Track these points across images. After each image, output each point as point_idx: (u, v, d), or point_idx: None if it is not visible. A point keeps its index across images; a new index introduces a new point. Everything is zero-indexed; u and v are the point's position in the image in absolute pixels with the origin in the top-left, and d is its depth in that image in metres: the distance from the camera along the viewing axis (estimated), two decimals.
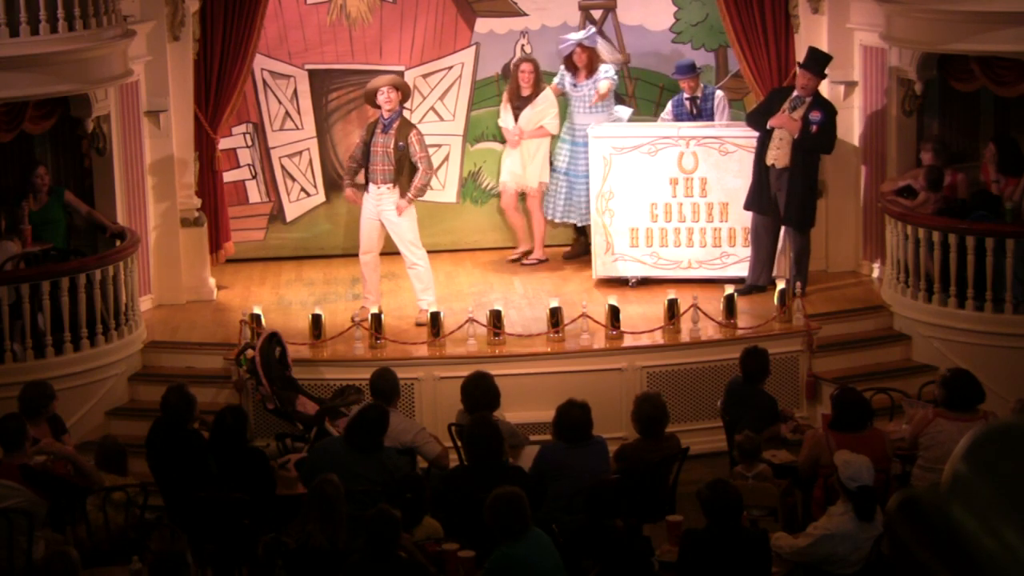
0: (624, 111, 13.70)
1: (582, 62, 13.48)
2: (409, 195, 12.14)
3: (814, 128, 12.30)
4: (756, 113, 12.73)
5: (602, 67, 13.53)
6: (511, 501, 7.58)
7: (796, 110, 12.39)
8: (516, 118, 13.59)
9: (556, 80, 13.70)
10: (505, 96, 13.75)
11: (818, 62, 12.46)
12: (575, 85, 13.55)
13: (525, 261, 13.90)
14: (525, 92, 13.54)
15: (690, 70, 13.31)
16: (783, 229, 12.67)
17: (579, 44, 13.48)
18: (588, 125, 13.37)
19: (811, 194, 12.62)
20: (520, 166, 13.69)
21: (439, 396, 11.38)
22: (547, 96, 13.57)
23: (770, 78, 13.14)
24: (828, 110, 12.44)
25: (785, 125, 12.37)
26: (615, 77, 13.62)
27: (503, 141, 14.00)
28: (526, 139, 13.60)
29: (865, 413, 9.25)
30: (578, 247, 13.93)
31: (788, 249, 12.70)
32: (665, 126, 13.27)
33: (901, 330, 12.30)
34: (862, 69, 13.20)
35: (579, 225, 13.81)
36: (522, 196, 13.93)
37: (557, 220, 13.84)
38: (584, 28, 13.79)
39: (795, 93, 12.45)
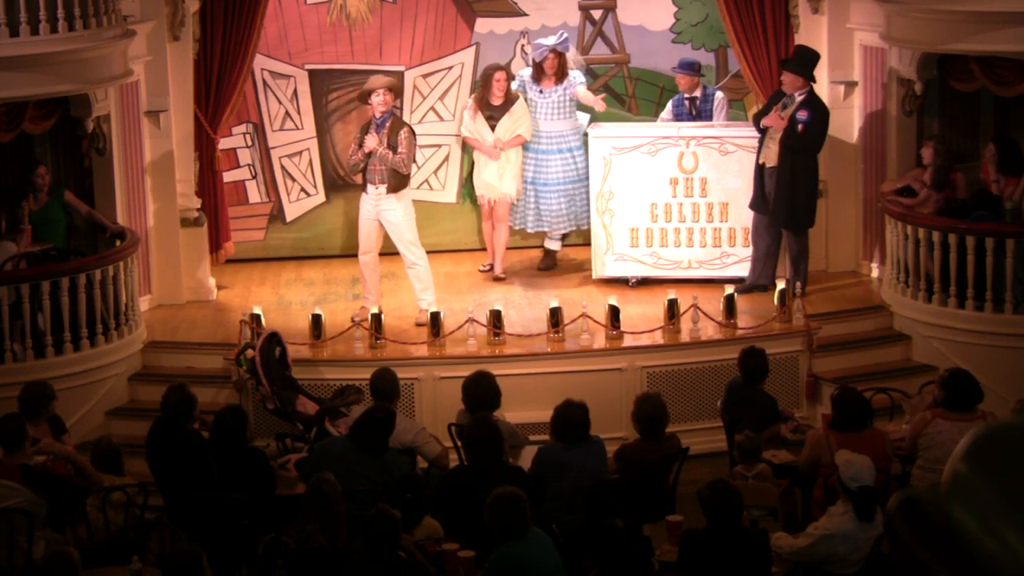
0: (584, 117, 13.50)
1: (553, 68, 13.24)
2: (383, 149, 11.99)
3: (800, 127, 12.27)
4: (757, 115, 12.73)
5: (572, 73, 13.37)
6: (511, 501, 7.57)
7: (787, 109, 12.38)
8: (492, 128, 13.25)
9: (516, 86, 13.46)
10: (473, 104, 13.40)
11: (802, 62, 12.40)
12: (542, 92, 13.31)
13: (484, 270, 13.66)
14: (497, 100, 13.24)
15: (691, 68, 13.27)
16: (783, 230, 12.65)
17: (552, 50, 13.24)
18: (556, 132, 13.27)
19: (805, 194, 12.46)
20: (497, 177, 13.41)
21: (439, 396, 11.38)
22: (522, 103, 13.29)
23: (770, 78, 13.12)
24: (818, 110, 12.38)
25: (772, 123, 12.36)
26: (584, 81, 13.53)
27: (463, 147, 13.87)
28: (506, 149, 13.30)
29: (865, 413, 9.24)
30: (549, 260, 13.69)
31: (787, 250, 12.68)
32: (665, 126, 13.25)
33: (901, 330, 12.30)
34: (862, 69, 13.20)
35: (554, 234, 13.56)
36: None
37: (530, 230, 13.65)
38: (556, 35, 13.45)
39: (786, 92, 12.45)
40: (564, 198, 13.36)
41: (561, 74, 13.30)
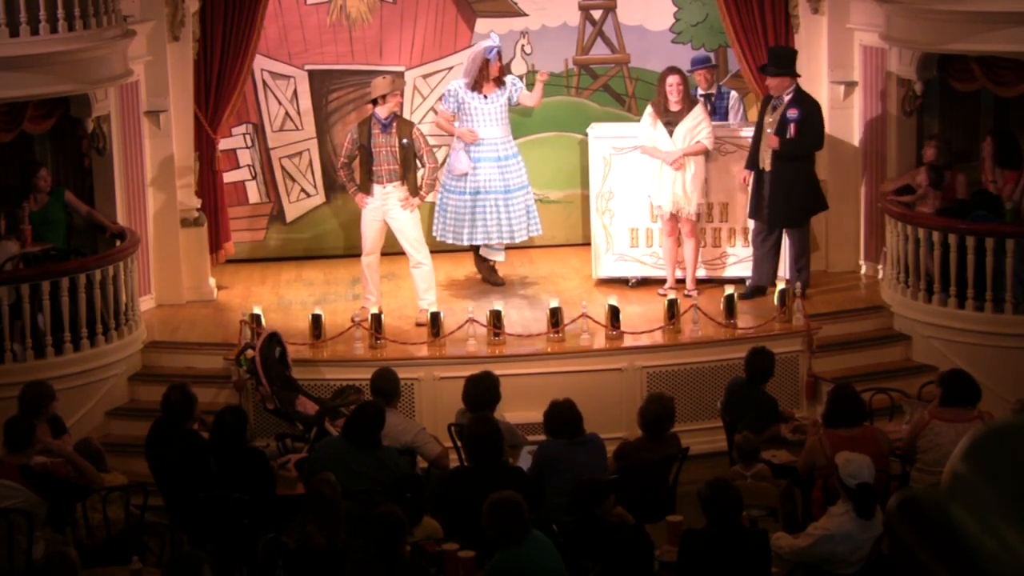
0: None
1: (496, 71, 12.83)
2: (422, 192, 12.19)
3: (792, 127, 12.24)
4: (758, 124, 12.62)
5: (509, 79, 13.02)
6: (508, 506, 7.50)
7: (776, 111, 12.35)
8: (670, 135, 12.50)
9: (450, 107, 12.92)
10: (652, 112, 12.60)
11: (781, 61, 12.37)
12: (486, 98, 12.82)
13: (662, 294, 12.56)
14: (675, 106, 12.48)
15: (705, 61, 13.28)
16: (784, 231, 12.63)
17: (498, 52, 12.90)
18: (491, 139, 12.79)
19: (800, 193, 12.44)
20: (681, 187, 12.53)
21: (439, 396, 11.39)
22: (701, 109, 12.57)
23: None
24: (808, 106, 12.36)
25: (770, 144, 12.34)
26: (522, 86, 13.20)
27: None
28: (686, 157, 12.49)
29: (858, 408, 9.22)
30: (485, 270, 13.26)
31: (787, 250, 12.67)
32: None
33: (901, 330, 12.30)
34: (862, 69, 13.20)
35: (495, 246, 13.05)
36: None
37: (465, 243, 13.03)
38: (488, 36, 13.18)
39: (773, 95, 12.41)
40: (502, 207, 12.84)
41: (500, 79, 12.91)
